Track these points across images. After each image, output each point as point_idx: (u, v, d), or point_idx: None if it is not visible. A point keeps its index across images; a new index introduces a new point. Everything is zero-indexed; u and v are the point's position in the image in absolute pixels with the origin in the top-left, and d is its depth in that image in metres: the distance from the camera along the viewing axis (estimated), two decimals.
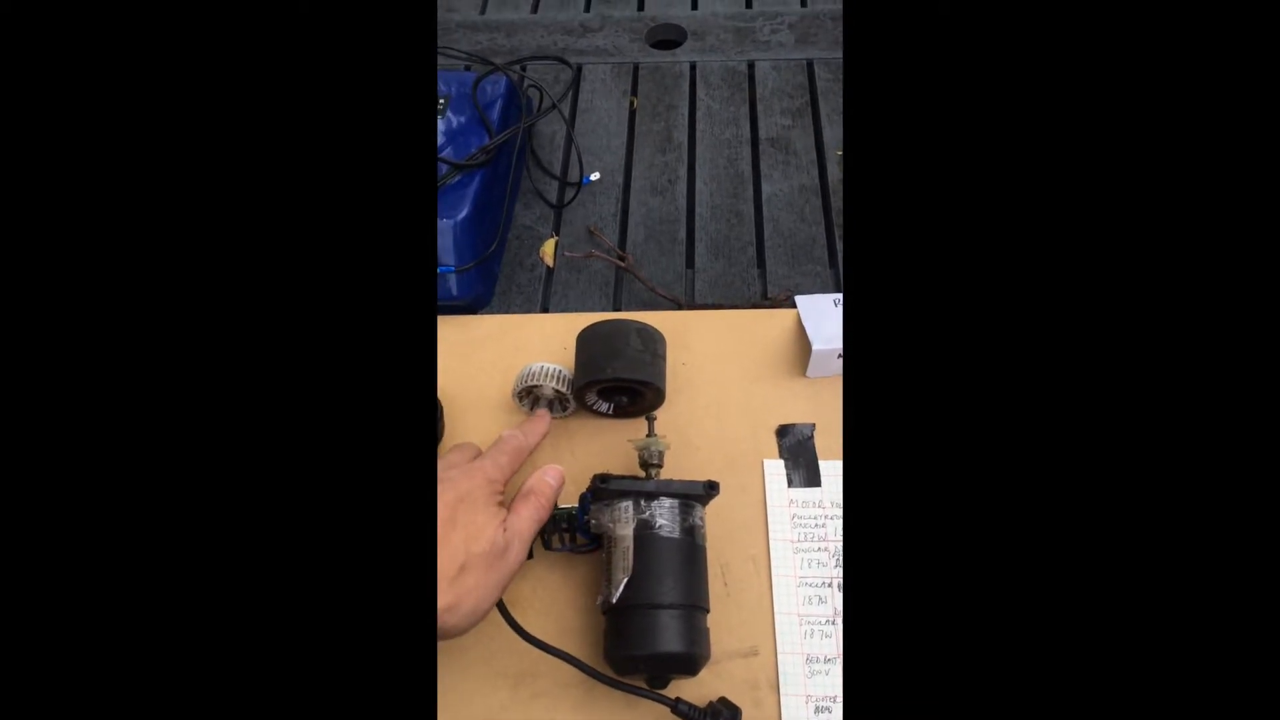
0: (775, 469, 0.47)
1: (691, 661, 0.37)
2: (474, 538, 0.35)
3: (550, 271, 0.61)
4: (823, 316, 0.50)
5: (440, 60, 0.70)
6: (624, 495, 0.39)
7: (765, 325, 0.53)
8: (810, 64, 0.75)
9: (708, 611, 0.39)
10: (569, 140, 0.69)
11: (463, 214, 0.55)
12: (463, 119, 0.61)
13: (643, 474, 0.42)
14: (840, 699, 0.39)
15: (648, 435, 0.44)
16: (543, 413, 0.46)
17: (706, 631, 0.38)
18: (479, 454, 0.41)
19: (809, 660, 0.41)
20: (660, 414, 0.47)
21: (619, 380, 0.45)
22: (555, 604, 0.43)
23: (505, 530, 0.37)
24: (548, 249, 0.62)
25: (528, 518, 0.38)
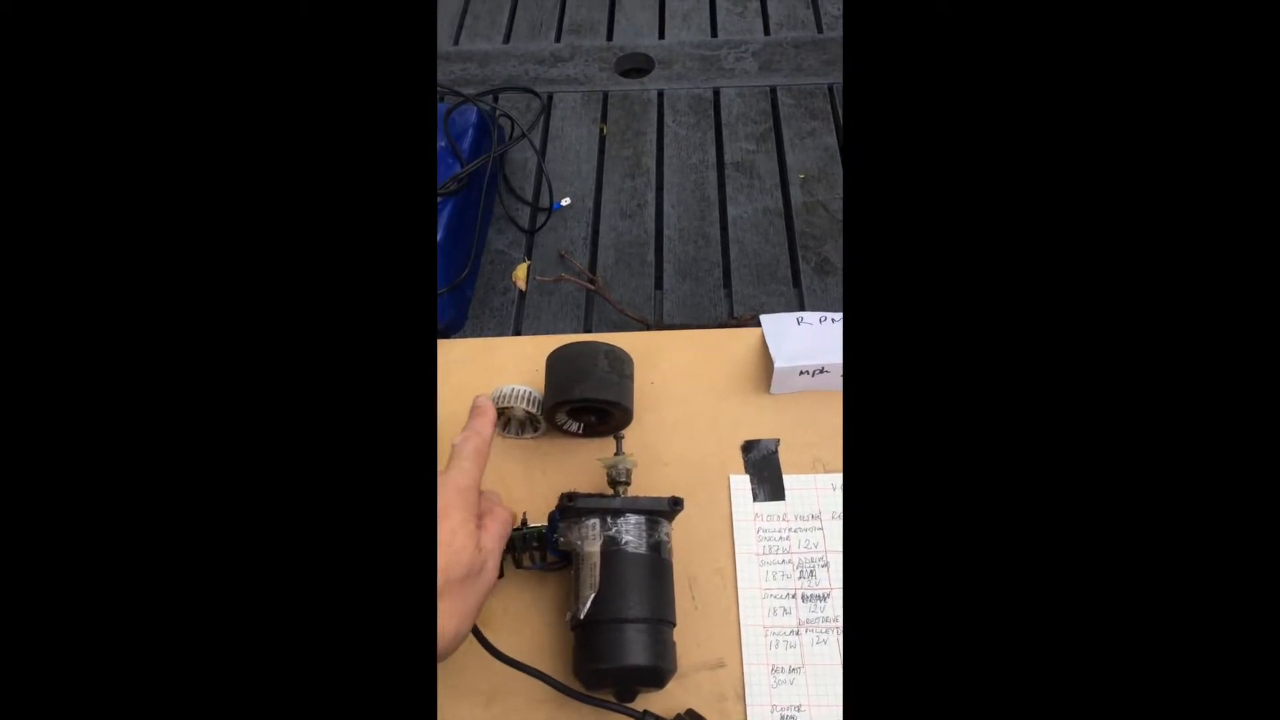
0: (741, 484, 0.48)
1: (658, 674, 0.38)
2: (452, 562, 0.34)
3: (522, 295, 0.63)
4: (786, 335, 0.52)
5: None
6: (591, 513, 0.40)
7: (731, 344, 0.55)
8: (773, 90, 0.78)
9: (674, 625, 0.40)
10: (540, 167, 0.71)
11: (435, 241, 0.56)
12: (435, 148, 0.62)
13: (611, 492, 0.43)
14: (804, 707, 0.41)
15: (616, 454, 0.45)
16: (483, 402, 0.42)
17: (673, 644, 0.39)
18: None
19: (774, 670, 0.42)
20: (629, 432, 0.48)
21: (587, 401, 0.46)
22: (526, 621, 0.43)
23: (480, 550, 0.36)
24: (520, 273, 0.64)
25: (497, 534, 0.38)
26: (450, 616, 0.34)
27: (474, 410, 0.42)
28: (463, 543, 0.35)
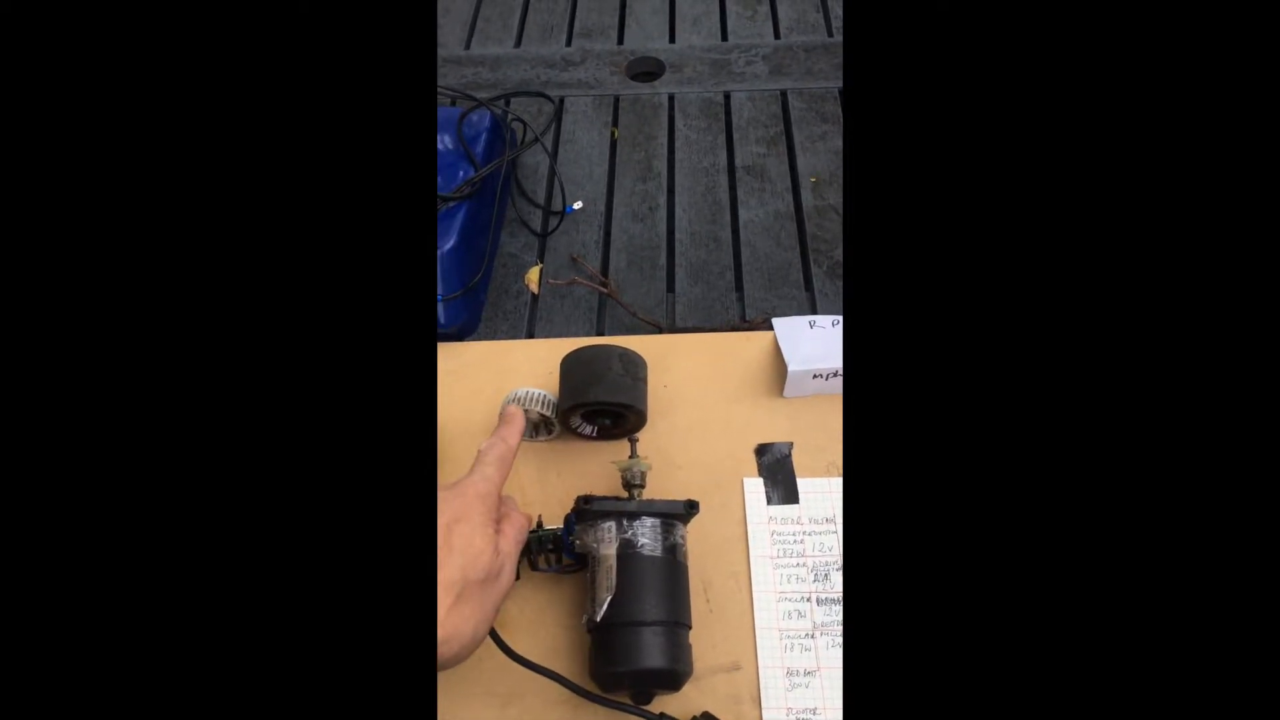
0: (755, 487, 0.48)
1: (674, 677, 0.38)
2: (471, 564, 0.34)
3: (535, 298, 0.63)
4: (798, 338, 0.52)
5: None
6: (607, 516, 0.40)
7: (743, 348, 0.55)
8: (784, 94, 0.78)
9: (690, 628, 0.40)
10: (552, 171, 0.71)
11: (449, 245, 0.57)
12: (448, 152, 0.62)
13: (626, 495, 0.44)
14: (819, 710, 0.41)
15: (630, 457, 0.45)
16: (513, 410, 0.43)
17: (689, 647, 0.39)
18: None
19: (789, 673, 0.42)
20: (643, 435, 0.48)
21: (601, 404, 0.46)
22: (542, 624, 0.44)
23: (498, 554, 0.36)
24: (532, 276, 0.64)
25: (514, 539, 0.38)
26: (468, 619, 0.34)
27: (504, 417, 0.43)
28: (481, 546, 0.35)
